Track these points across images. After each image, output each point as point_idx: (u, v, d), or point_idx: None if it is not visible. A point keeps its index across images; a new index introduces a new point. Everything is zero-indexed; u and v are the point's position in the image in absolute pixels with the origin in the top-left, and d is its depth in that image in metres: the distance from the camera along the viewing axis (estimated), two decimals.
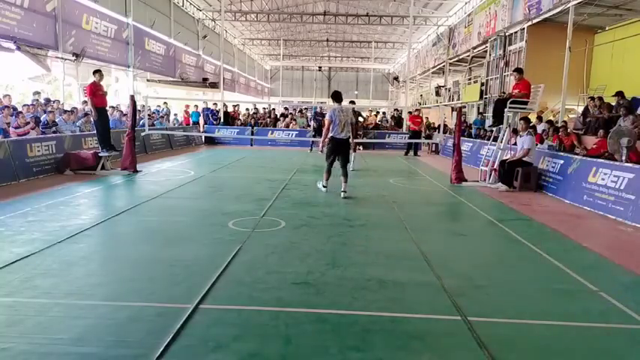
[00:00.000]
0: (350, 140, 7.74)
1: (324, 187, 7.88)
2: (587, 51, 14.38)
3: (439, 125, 19.35)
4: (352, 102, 12.30)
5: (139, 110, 13.04)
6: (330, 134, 7.46)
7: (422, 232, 5.54)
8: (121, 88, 22.58)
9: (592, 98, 11.74)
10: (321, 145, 7.74)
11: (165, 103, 19.30)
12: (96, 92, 9.12)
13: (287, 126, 19.67)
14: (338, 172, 7.63)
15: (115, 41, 17.01)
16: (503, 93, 11.26)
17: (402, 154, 16.74)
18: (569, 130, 10.66)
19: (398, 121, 21.05)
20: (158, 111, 18.13)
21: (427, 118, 21.35)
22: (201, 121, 19.70)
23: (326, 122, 7.55)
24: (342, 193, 7.49)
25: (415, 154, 16.52)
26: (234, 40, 35.50)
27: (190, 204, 6.97)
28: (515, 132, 9.46)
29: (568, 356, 2.84)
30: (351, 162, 10.56)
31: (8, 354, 2.59)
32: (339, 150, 7.50)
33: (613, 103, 10.63)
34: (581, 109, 13.45)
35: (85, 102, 12.41)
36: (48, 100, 12.31)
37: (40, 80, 16.44)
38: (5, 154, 8.07)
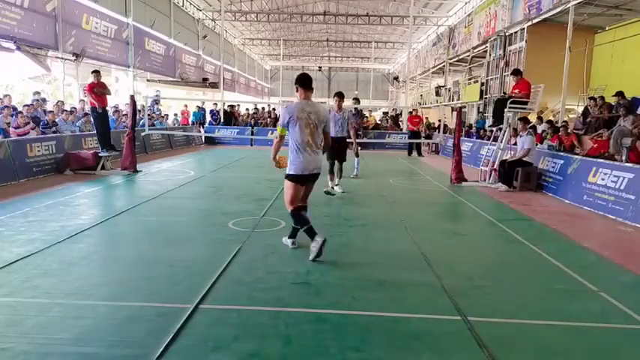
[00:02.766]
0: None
1: (332, 182, 7.92)
2: (587, 51, 14.38)
3: (439, 125, 19.39)
4: (356, 100, 12.03)
5: (139, 110, 13.05)
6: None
7: (422, 232, 5.54)
8: (121, 88, 22.56)
9: (592, 98, 11.76)
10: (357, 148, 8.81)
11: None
12: (96, 90, 9.12)
13: None
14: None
15: (115, 41, 17.00)
16: (504, 93, 11.22)
17: (401, 153, 16.73)
18: (569, 130, 10.67)
19: (395, 120, 21.06)
20: (156, 101, 18.11)
21: (427, 118, 21.32)
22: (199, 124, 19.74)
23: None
24: (338, 187, 7.93)
25: (419, 154, 16.49)
26: (234, 40, 35.48)
27: (190, 204, 6.97)
28: (515, 132, 9.46)
29: (568, 356, 2.84)
30: (356, 168, 10.49)
31: (8, 354, 2.59)
32: (334, 147, 7.53)
33: (613, 103, 10.63)
34: (581, 109, 13.45)
35: (83, 101, 12.42)
36: (44, 100, 12.32)
37: (40, 80, 16.43)
38: (5, 154, 8.07)
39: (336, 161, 7.92)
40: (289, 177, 4.42)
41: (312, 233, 4.36)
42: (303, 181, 4.44)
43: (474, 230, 6.07)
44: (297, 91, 4.48)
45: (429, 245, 4.97)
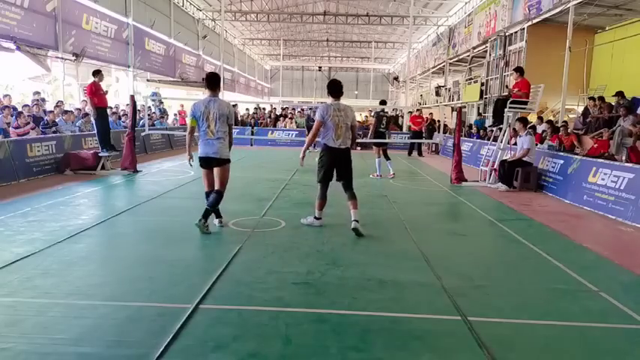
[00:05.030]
0: (350, 149, 5.46)
1: (316, 219, 5.56)
2: (587, 51, 14.38)
3: (438, 125, 19.40)
4: (383, 102, 11.67)
5: (139, 110, 13.04)
6: (322, 141, 5.38)
7: (422, 232, 5.54)
8: (121, 88, 22.57)
9: (592, 98, 11.78)
10: (302, 153, 5.46)
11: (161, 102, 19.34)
12: (96, 92, 9.12)
13: (286, 126, 19.72)
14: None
15: (115, 41, 17.01)
16: (506, 86, 11.13)
17: (401, 153, 16.73)
18: (569, 130, 10.67)
19: (395, 121, 21.02)
20: (160, 109, 18.13)
21: (431, 114, 21.18)
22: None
23: (315, 123, 5.40)
24: (354, 224, 5.25)
25: (419, 154, 16.51)
26: (234, 40, 35.49)
27: (190, 204, 6.95)
28: (515, 132, 9.46)
29: (568, 356, 2.84)
30: (380, 168, 10.12)
31: (8, 354, 2.59)
32: (335, 164, 5.39)
33: (613, 103, 10.64)
34: (581, 109, 13.46)
35: (85, 101, 12.41)
36: (43, 100, 12.32)
37: (40, 80, 16.42)
38: (5, 154, 8.07)
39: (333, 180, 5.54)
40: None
41: (205, 214, 5.10)
42: (204, 164, 5.18)
43: (474, 230, 6.07)
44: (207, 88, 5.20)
45: (429, 245, 4.97)
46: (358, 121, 19.44)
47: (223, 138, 5.10)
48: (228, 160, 5.24)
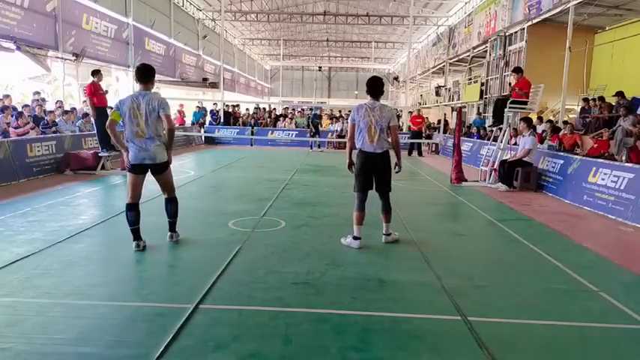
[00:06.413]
0: (388, 154, 4.85)
1: (355, 239, 4.84)
2: (587, 51, 14.39)
3: (438, 125, 19.41)
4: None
5: None
6: (357, 145, 4.85)
7: (422, 232, 5.54)
8: (121, 88, 22.56)
9: (586, 99, 11.84)
10: (348, 159, 4.96)
11: None
12: (96, 92, 9.12)
13: (286, 126, 19.72)
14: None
15: (115, 41, 17.01)
16: (510, 85, 11.11)
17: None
18: (573, 129, 10.65)
19: None
20: None
21: (427, 118, 21.30)
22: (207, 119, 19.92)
23: (348, 127, 4.98)
24: (384, 238, 5.02)
25: (419, 154, 16.54)
26: (234, 40, 35.50)
27: (190, 204, 6.95)
28: (515, 132, 9.45)
29: (568, 356, 2.83)
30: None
31: (8, 354, 2.59)
32: (371, 171, 4.84)
33: (613, 103, 10.64)
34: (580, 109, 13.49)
35: (85, 101, 12.41)
36: (43, 100, 12.32)
37: (40, 80, 16.42)
38: (5, 154, 8.07)
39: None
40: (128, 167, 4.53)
41: (136, 235, 4.52)
42: (138, 171, 4.49)
43: (474, 230, 6.07)
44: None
45: (429, 245, 4.97)
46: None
47: (156, 137, 4.42)
48: (167, 163, 4.64)
